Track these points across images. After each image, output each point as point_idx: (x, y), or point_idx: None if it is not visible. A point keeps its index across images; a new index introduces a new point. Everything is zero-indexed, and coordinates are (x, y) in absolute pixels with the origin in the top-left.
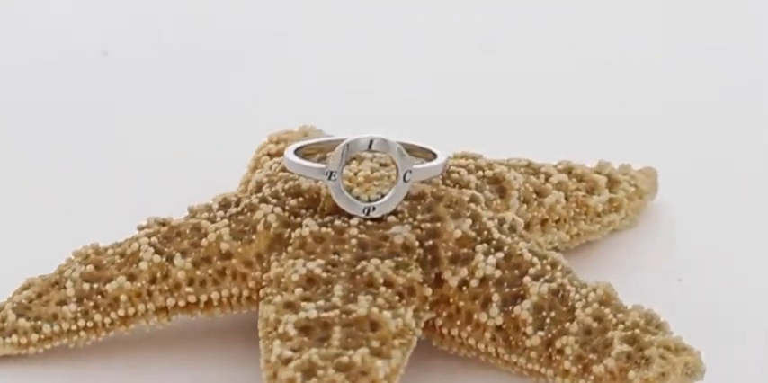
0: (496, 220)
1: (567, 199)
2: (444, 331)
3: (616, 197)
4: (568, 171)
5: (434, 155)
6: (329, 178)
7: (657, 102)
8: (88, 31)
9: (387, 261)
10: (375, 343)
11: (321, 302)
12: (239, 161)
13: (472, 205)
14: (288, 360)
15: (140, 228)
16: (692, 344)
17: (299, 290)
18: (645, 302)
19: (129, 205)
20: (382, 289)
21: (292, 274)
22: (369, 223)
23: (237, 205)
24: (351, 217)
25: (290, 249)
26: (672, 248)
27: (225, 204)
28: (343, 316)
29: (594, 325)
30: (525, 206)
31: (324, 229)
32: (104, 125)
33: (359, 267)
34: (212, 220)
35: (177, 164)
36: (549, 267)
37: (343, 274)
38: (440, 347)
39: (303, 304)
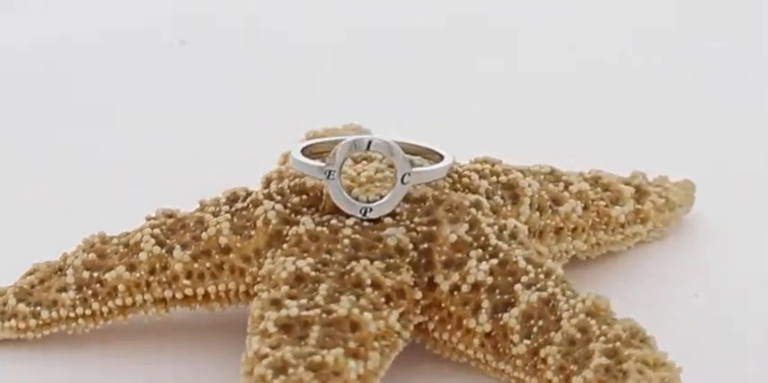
0: (496, 227)
1: (586, 208)
2: (436, 335)
3: (642, 208)
4: (595, 180)
5: (442, 158)
6: (328, 177)
7: (702, 112)
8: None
9: (376, 262)
10: (352, 344)
11: (304, 300)
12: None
13: (473, 210)
14: (264, 357)
15: (148, 219)
16: (696, 360)
17: (285, 288)
18: (656, 315)
19: (158, 198)
20: (368, 290)
21: (281, 271)
22: (365, 224)
23: (244, 200)
24: (348, 217)
25: (285, 246)
26: (698, 263)
27: (233, 199)
28: (324, 315)
29: (578, 336)
30: (538, 213)
31: (319, 228)
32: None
33: (348, 267)
34: (216, 214)
35: (218, 159)
36: (542, 276)
37: (332, 274)
38: (433, 351)
39: (287, 302)
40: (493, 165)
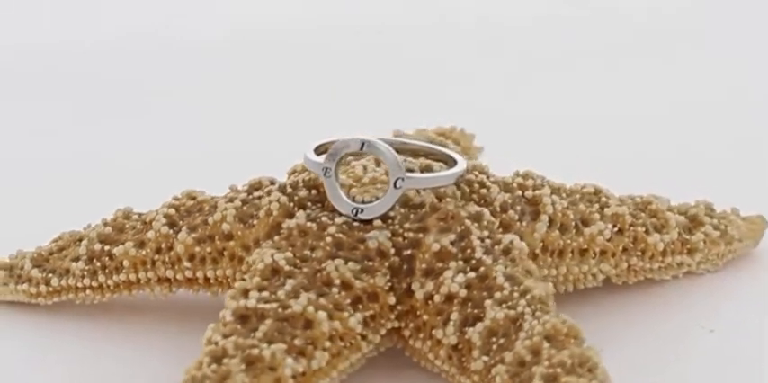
0: (489, 241)
1: (621, 232)
2: (411, 342)
3: (690, 239)
4: (644, 205)
5: (455, 164)
6: (324, 174)
7: None
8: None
9: (351, 263)
10: (299, 341)
11: (266, 293)
12: None
13: (468, 222)
14: (213, 344)
15: (174, 199)
16: None
17: (256, 279)
18: (660, 351)
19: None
20: (334, 289)
21: (259, 262)
22: (354, 224)
23: (263, 189)
24: (340, 215)
25: (276, 238)
26: (743, 300)
27: (256, 187)
28: (280, 309)
29: (529, 357)
30: (559, 232)
31: (309, 223)
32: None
33: (323, 265)
34: (231, 200)
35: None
36: (516, 294)
37: (306, 270)
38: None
39: (251, 293)
40: (526, 180)
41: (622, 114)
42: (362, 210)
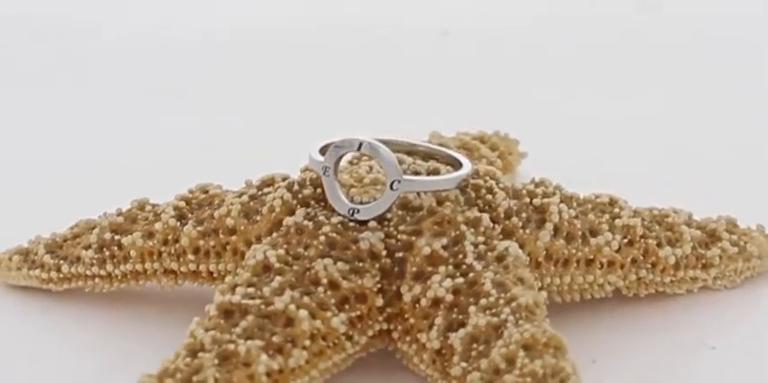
0: (483, 247)
1: (631, 243)
2: (399, 345)
3: (704, 253)
4: (662, 217)
5: (461, 167)
6: (324, 173)
7: None
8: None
9: (340, 263)
10: (277, 339)
11: (251, 289)
12: None
13: (464, 227)
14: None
15: (189, 191)
16: None
17: (246, 275)
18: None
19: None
20: (320, 289)
21: (250, 258)
22: (350, 224)
23: (275, 185)
24: (339, 215)
25: (274, 235)
26: (753, 319)
27: (268, 183)
28: (262, 306)
29: (503, 366)
30: (564, 241)
31: (306, 222)
32: None
33: (313, 264)
34: (240, 196)
35: None
36: (502, 301)
37: (296, 268)
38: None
39: (238, 288)
40: (537, 187)
41: (670, 124)
42: (359, 211)
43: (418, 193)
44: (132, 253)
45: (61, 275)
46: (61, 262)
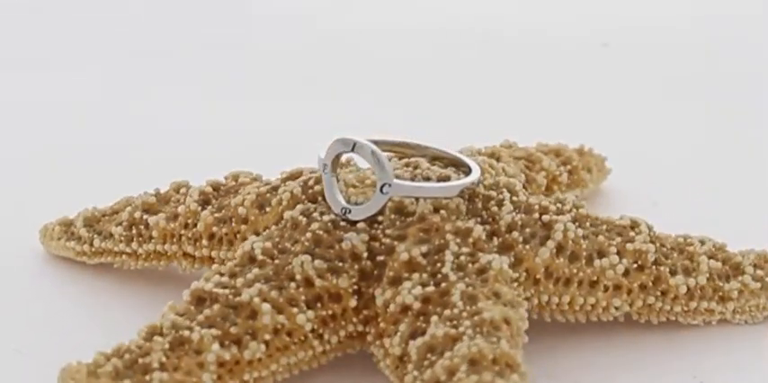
0: (464, 257)
1: (641, 269)
2: (371, 348)
3: (722, 286)
4: (684, 246)
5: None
6: (323, 170)
7: None
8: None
9: (318, 261)
10: (236, 330)
11: (226, 279)
12: None
13: (450, 236)
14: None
15: (225, 178)
16: None
17: (230, 264)
18: None
19: None
20: (293, 284)
21: (239, 248)
22: (341, 223)
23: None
24: (332, 213)
25: (273, 227)
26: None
27: (295, 176)
28: (230, 297)
29: (443, 378)
30: (566, 260)
31: (301, 217)
32: None
33: (293, 260)
34: (261, 186)
35: None
36: (465, 314)
37: (277, 262)
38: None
39: (215, 276)
40: (553, 204)
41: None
42: (350, 211)
43: (416, 199)
44: (155, 233)
45: (93, 249)
46: (95, 236)
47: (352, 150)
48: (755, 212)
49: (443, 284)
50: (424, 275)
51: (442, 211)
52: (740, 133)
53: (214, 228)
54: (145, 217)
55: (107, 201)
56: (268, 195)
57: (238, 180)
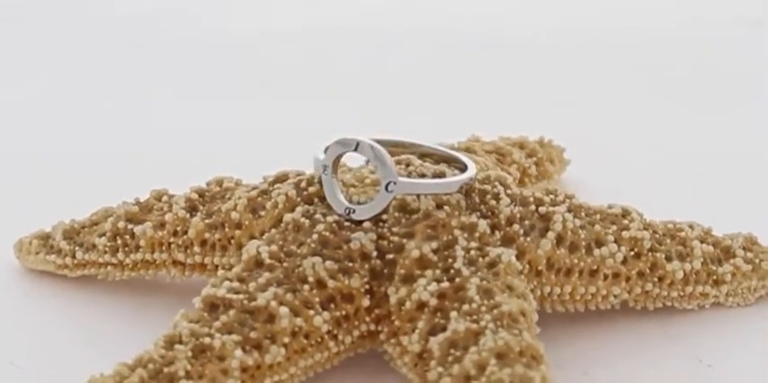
0: (474, 252)
1: (638, 256)
2: (385, 347)
3: (716, 270)
4: (676, 231)
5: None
6: (323, 172)
7: None
8: None
9: (329, 262)
10: (256, 334)
11: (237, 284)
12: None
13: (457, 231)
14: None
15: (207, 183)
16: None
17: (237, 269)
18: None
19: None
20: (306, 287)
21: (244, 253)
22: (345, 224)
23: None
24: (334, 214)
25: (273, 231)
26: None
27: (282, 179)
28: (245, 301)
29: (473, 372)
30: (566, 251)
31: (303, 219)
32: None
33: (302, 262)
34: (250, 190)
35: None
36: (484, 308)
37: (286, 265)
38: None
39: (226, 282)
40: (546, 195)
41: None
42: (354, 211)
43: (418, 196)
44: (142, 242)
45: (75, 261)
46: (76, 248)
47: (355, 150)
48: (715, 198)
49: (457, 279)
50: (437, 271)
51: (446, 207)
52: (695, 120)
53: (206, 235)
54: (129, 226)
55: (79, 213)
56: (260, 199)
57: (222, 185)
